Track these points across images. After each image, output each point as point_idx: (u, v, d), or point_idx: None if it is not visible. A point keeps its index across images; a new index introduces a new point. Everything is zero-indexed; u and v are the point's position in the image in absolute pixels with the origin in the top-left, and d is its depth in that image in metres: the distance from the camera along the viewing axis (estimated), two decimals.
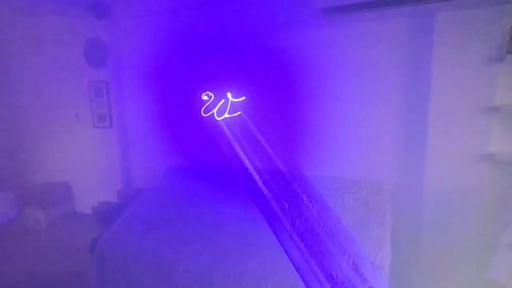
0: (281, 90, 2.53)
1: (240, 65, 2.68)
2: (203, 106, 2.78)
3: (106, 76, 3.35)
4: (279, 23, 2.54)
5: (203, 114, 2.72)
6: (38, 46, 3.64)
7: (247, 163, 2.72)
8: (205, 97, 2.52)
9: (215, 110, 2.72)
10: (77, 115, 3.65)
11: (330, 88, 2.46)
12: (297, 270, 1.76)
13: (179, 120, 3.00)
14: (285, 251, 1.88)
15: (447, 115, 2.13)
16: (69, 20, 3.26)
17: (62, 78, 3.61)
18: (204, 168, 2.82)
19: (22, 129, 4.04)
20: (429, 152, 2.21)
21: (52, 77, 3.67)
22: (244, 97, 2.63)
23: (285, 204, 2.34)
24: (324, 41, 2.44)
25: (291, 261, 1.79)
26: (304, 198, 2.35)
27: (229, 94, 2.66)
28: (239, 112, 2.64)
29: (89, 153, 3.68)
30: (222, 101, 2.69)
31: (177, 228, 2.38)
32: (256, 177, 2.60)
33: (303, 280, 1.61)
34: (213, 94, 2.73)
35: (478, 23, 1.97)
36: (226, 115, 2.60)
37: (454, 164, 2.16)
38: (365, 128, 2.43)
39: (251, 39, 2.65)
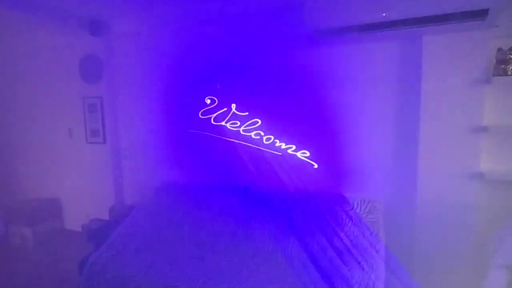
0: (273, 108, 2.56)
1: (235, 83, 2.72)
2: (198, 121, 2.79)
3: (101, 92, 3.36)
4: (274, 45, 2.59)
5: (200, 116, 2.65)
6: (34, 61, 3.65)
7: (242, 179, 2.72)
8: (208, 101, 2.55)
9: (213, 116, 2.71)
10: (70, 130, 3.63)
11: (321, 107, 2.49)
12: None
13: (173, 136, 3.00)
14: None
15: (437, 135, 2.17)
16: (64, 36, 3.29)
17: (56, 93, 3.62)
18: (198, 185, 2.80)
19: (13, 143, 3.99)
20: (420, 171, 2.24)
21: (46, 92, 3.67)
22: (247, 113, 2.63)
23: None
24: (317, 61, 2.49)
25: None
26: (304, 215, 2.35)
27: (233, 106, 2.65)
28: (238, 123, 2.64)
29: (81, 169, 3.63)
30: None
31: (169, 247, 2.33)
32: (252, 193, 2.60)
33: None
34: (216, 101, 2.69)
35: (464, 47, 2.04)
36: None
37: (446, 183, 2.19)
38: (357, 146, 2.45)
39: (247, 59, 2.69)
